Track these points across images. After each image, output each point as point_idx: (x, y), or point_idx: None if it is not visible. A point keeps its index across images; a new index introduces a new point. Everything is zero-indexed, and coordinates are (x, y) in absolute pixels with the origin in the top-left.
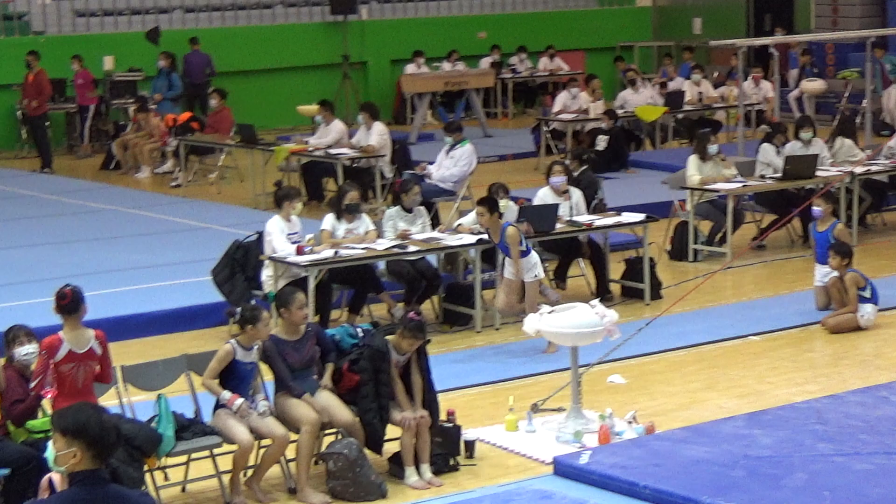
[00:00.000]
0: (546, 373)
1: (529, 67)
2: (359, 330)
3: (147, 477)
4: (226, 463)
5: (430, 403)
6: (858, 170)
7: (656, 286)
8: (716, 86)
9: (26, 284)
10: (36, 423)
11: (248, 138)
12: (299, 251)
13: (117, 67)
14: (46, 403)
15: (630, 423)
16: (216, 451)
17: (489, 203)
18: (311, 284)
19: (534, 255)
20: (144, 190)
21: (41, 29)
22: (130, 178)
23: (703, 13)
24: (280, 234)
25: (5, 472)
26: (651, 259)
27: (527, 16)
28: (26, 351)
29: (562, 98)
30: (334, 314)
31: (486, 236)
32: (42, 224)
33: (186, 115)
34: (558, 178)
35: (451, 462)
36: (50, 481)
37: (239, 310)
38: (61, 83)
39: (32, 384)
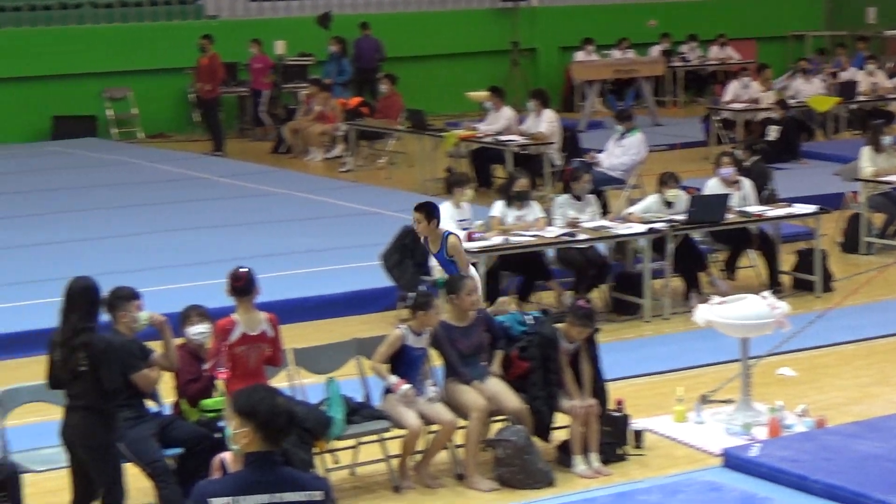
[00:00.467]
0: (715, 364)
1: (700, 56)
2: (528, 317)
3: (317, 459)
4: (394, 447)
5: (599, 392)
6: None
7: (828, 278)
8: (890, 76)
9: (199, 266)
10: (209, 402)
11: (418, 124)
12: (469, 237)
13: (289, 52)
14: (220, 383)
15: (801, 416)
16: (385, 435)
17: (426, 209)
18: (482, 271)
19: (470, 270)
20: (314, 174)
21: (214, 13)
22: (301, 162)
23: (877, 2)
24: (450, 220)
25: (179, 450)
26: (823, 251)
27: (697, 4)
28: (197, 330)
29: (733, 87)
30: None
31: (658, 225)
32: (214, 206)
33: (356, 99)
34: (727, 170)
35: (619, 451)
36: (222, 461)
37: (412, 295)
38: (233, 67)
39: (207, 365)
